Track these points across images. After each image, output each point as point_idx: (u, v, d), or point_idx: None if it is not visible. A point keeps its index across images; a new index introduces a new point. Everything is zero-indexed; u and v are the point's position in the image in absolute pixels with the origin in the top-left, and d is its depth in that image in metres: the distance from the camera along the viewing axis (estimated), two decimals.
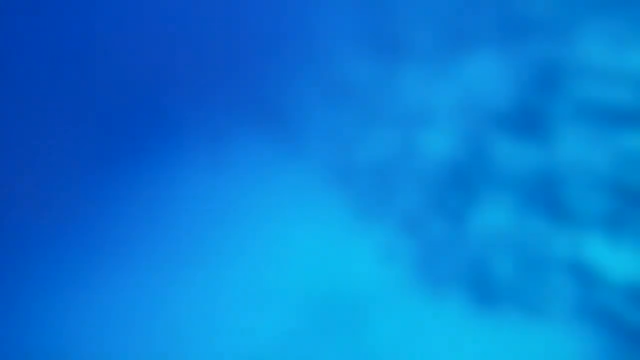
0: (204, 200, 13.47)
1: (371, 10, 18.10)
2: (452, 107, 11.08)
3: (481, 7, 12.42)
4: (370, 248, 10.04)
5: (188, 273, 10.66)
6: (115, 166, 15.92)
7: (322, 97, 15.50)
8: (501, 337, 6.82)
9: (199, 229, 12.01)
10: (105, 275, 12.20)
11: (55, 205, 18.11)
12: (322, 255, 10.38)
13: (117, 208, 15.28)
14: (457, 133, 10.55)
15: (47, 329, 11.74)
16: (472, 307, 8.00)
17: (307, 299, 9.33)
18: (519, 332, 6.77)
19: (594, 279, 6.47)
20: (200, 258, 10.92)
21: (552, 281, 7.07)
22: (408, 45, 13.68)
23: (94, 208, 16.03)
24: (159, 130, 18.08)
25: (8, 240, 14.24)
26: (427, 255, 9.35)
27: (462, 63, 11.73)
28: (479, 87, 10.87)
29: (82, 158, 19.87)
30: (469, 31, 12.52)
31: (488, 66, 11.17)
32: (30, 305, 12.30)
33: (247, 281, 9.96)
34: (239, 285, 10.01)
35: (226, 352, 9.12)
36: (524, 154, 8.46)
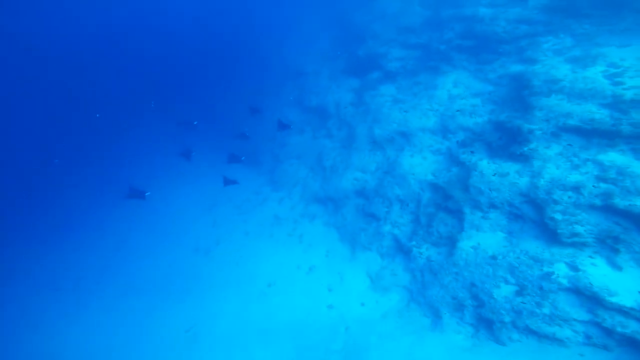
0: (186, 230, 13.04)
1: (345, 34, 18.30)
2: (431, 130, 10.93)
3: (449, 30, 12.75)
4: (361, 277, 9.45)
5: (172, 307, 10.04)
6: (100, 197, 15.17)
7: (303, 124, 15.50)
8: None
9: (184, 260, 11.52)
10: (86, 309, 11.52)
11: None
12: (310, 285, 9.72)
13: (101, 238, 14.53)
14: (440, 156, 10.34)
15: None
16: (473, 335, 7.38)
17: (300, 330, 8.73)
18: None
19: (600, 303, 5.89)
20: (185, 290, 10.28)
21: (555, 305, 6.49)
22: (385, 67, 13.89)
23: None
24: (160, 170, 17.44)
25: None
26: (420, 283, 8.95)
27: (437, 85, 11.73)
28: (457, 109, 10.81)
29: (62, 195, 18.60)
30: (441, 54, 12.79)
31: (464, 87, 11.27)
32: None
33: (235, 315, 9.23)
34: (226, 318, 9.31)
35: None
36: (507, 175, 8.46)
